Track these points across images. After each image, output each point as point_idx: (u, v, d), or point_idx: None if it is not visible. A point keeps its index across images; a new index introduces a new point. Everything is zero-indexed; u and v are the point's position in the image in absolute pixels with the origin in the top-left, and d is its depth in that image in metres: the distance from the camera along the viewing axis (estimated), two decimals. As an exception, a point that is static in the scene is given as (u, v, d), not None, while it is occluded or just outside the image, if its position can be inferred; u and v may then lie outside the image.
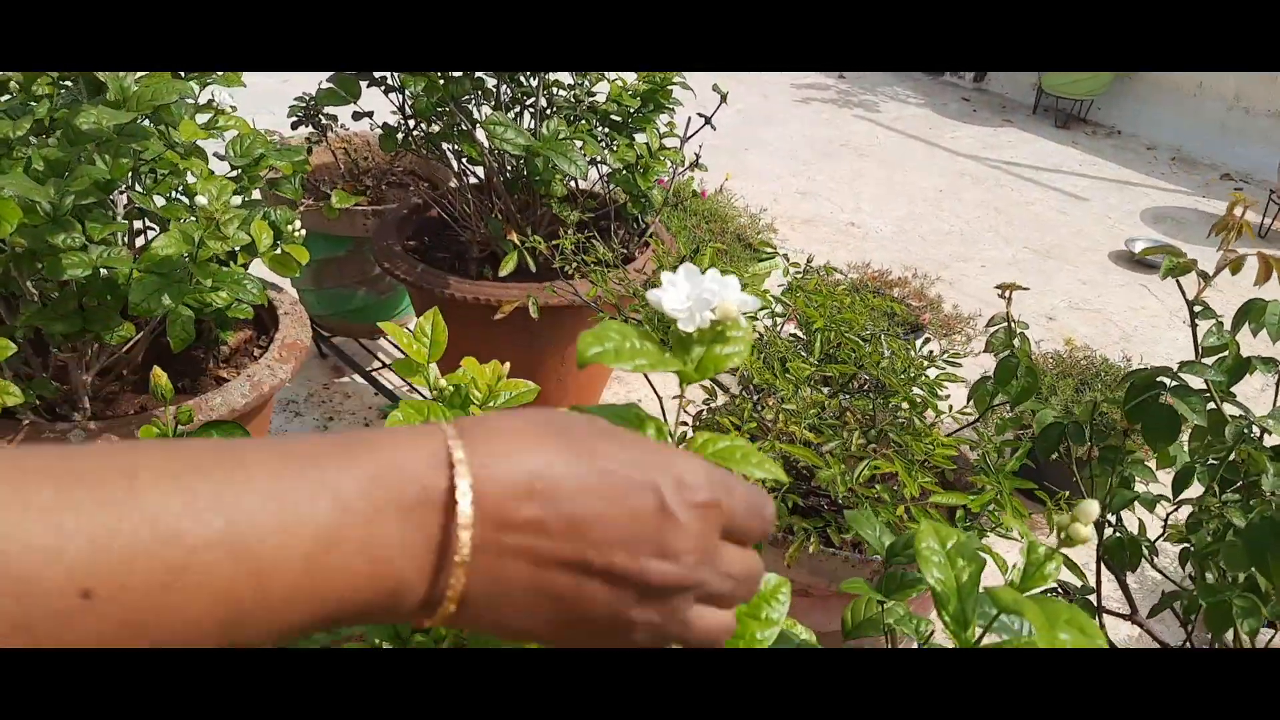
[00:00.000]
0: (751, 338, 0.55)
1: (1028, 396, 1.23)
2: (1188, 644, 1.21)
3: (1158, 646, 1.26)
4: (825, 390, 1.29)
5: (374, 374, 2.30)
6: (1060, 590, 1.16)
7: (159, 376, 1.15)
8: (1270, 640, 1.23)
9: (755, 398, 1.25)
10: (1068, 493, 1.20)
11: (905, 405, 1.14)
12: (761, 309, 1.40)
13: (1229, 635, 0.97)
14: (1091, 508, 0.52)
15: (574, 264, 1.43)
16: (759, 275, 2.86)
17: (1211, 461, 1.12)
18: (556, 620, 0.41)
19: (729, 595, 0.45)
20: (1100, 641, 0.49)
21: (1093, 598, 1.19)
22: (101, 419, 1.38)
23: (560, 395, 1.91)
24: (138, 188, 1.35)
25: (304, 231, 1.43)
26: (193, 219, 1.25)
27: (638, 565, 0.41)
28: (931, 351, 1.29)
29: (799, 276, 1.55)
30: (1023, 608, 0.48)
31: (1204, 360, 1.12)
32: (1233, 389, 1.13)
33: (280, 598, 0.36)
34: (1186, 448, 1.18)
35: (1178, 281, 1.15)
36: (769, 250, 2.95)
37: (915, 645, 0.75)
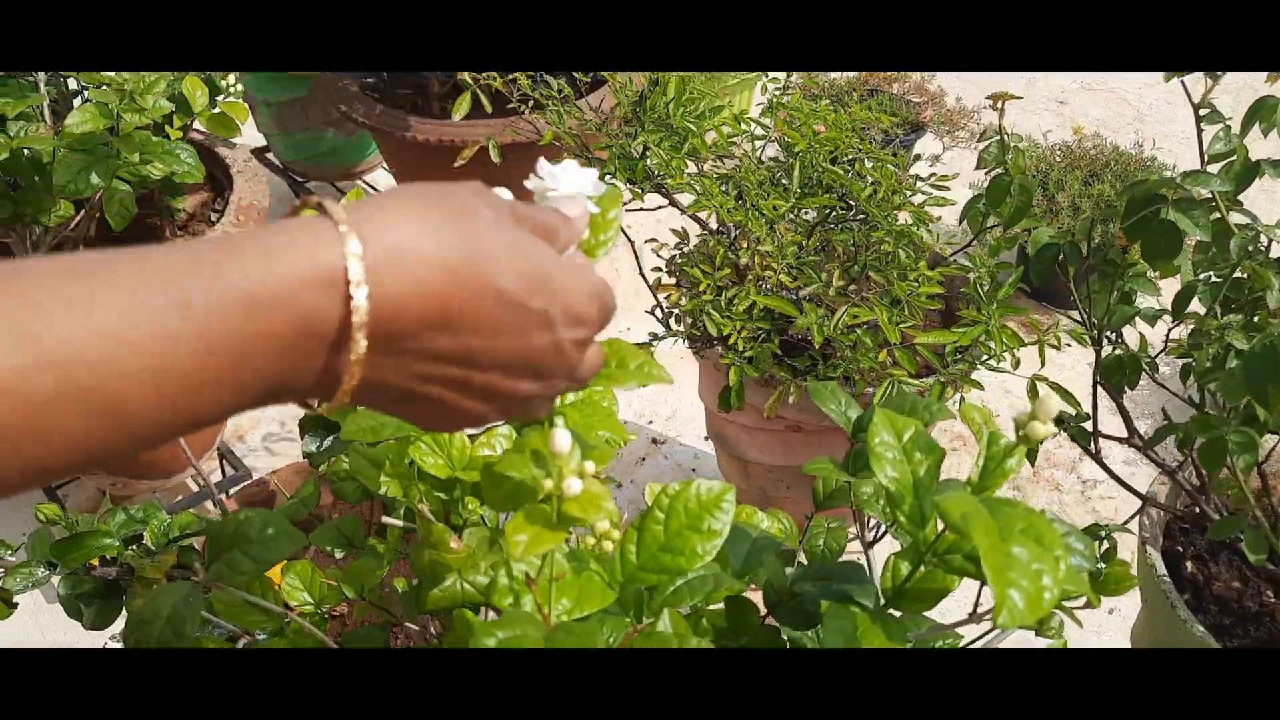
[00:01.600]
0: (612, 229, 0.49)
1: (1021, 217, 1.15)
2: (1189, 466, 1.18)
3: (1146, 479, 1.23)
4: (809, 217, 1.21)
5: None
6: (1056, 421, 1.12)
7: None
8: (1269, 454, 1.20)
9: (731, 237, 1.18)
10: (1060, 319, 1.14)
11: (889, 239, 1.06)
12: (739, 134, 1.30)
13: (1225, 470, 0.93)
14: (1050, 403, 0.47)
15: (531, 100, 1.33)
16: (738, 87, 2.71)
17: (1215, 279, 1.05)
18: (426, 415, 0.43)
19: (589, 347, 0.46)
20: (1058, 549, 0.45)
21: (1089, 425, 1.15)
22: (58, 302, 1.33)
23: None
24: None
25: (240, 86, 1.33)
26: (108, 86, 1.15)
27: (512, 385, 0.42)
28: (917, 178, 1.20)
29: (778, 93, 1.44)
30: (970, 525, 0.43)
31: (1209, 169, 1.03)
32: (1240, 196, 1.05)
33: (142, 423, 0.34)
34: (1191, 261, 1.12)
35: (1182, 82, 1.05)
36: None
37: (881, 527, 0.72)
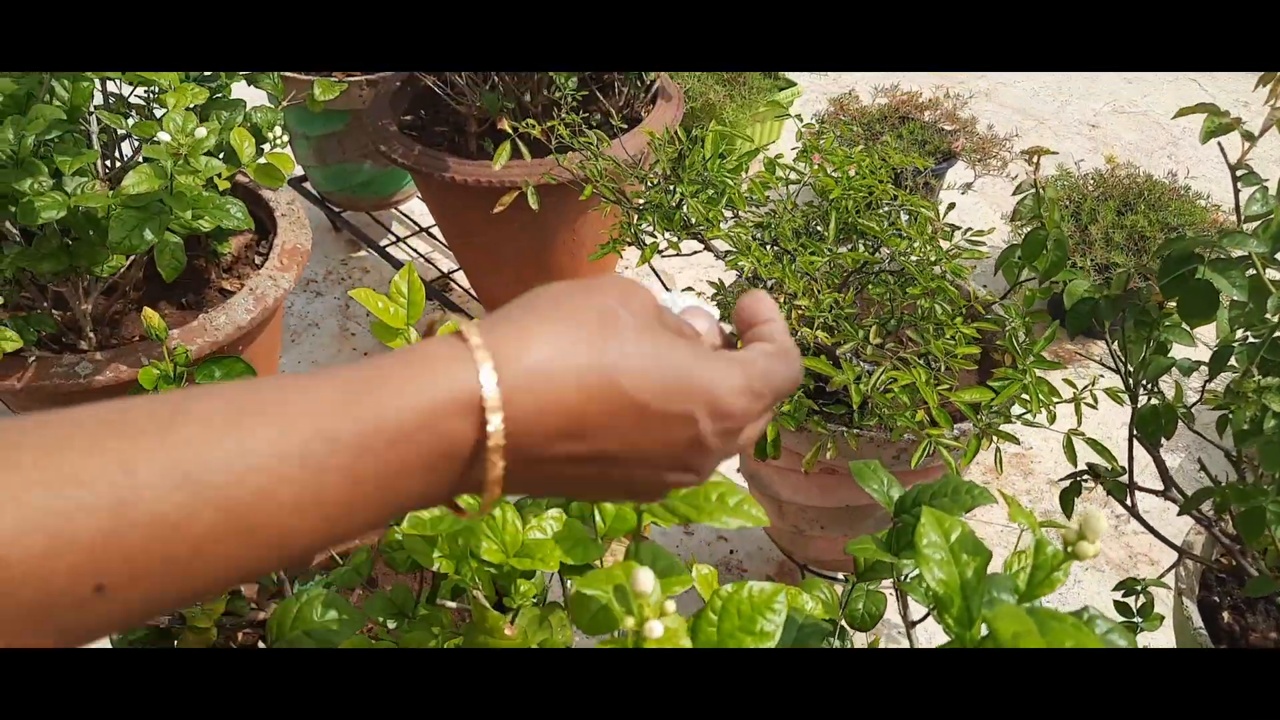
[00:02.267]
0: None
1: (1057, 271, 1.16)
2: (1226, 522, 1.18)
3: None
4: (844, 267, 1.22)
5: (388, 249, 2.26)
6: (1090, 472, 1.12)
7: (150, 318, 1.13)
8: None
9: (767, 287, 1.19)
10: (1100, 376, 1.15)
11: (925, 298, 1.07)
12: (774, 183, 1.32)
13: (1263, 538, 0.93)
14: (1098, 523, 0.48)
15: (572, 134, 1.35)
16: (778, 105, 2.72)
17: (1253, 339, 1.05)
18: (574, 495, 0.45)
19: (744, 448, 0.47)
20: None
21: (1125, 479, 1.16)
22: (108, 347, 1.36)
23: (573, 270, 1.86)
24: (106, 107, 1.28)
25: (285, 136, 1.36)
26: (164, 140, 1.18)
27: (657, 476, 0.43)
28: (953, 228, 1.21)
29: (812, 124, 1.45)
30: (1023, 643, 0.45)
31: (1245, 229, 1.04)
32: (1278, 256, 1.05)
33: (296, 546, 0.37)
34: (1228, 317, 1.12)
35: (1219, 144, 1.06)
36: (786, 81, 2.79)
37: (921, 613, 0.73)
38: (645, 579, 0.43)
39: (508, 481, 0.40)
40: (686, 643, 0.43)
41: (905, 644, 0.66)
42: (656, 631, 0.43)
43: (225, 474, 0.35)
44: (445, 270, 2.28)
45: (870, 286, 1.13)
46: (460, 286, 2.26)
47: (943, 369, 1.08)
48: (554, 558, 0.62)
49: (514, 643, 0.61)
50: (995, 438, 1.07)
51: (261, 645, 1.22)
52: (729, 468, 1.90)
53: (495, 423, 0.38)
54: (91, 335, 1.37)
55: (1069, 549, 0.49)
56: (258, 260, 1.54)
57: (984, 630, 0.55)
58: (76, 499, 0.33)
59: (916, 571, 0.72)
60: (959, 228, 1.28)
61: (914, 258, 1.15)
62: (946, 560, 0.55)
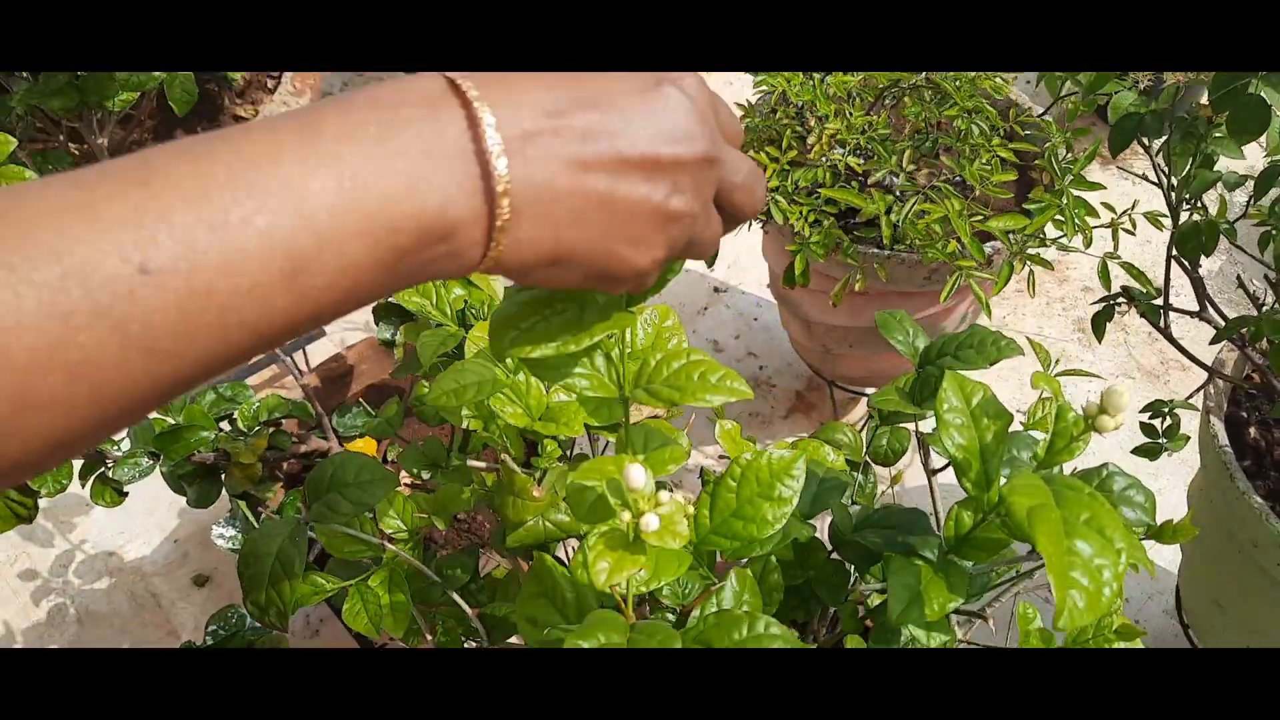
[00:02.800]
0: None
1: (1103, 84, 1.10)
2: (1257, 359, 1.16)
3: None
4: (877, 85, 1.17)
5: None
6: (1124, 294, 1.10)
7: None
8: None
9: (797, 112, 1.14)
10: (1137, 201, 1.11)
11: (963, 116, 1.03)
12: None
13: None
14: (1121, 399, 0.47)
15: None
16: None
17: (1304, 158, 1.00)
18: (604, 224, 0.41)
19: (741, 188, 0.46)
20: (1120, 539, 0.46)
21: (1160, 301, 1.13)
22: (128, 183, 1.35)
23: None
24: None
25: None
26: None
27: (669, 147, 0.42)
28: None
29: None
30: (1035, 526, 0.45)
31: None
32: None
33: (333, 238, 0.35)
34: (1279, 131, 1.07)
35: (1289, -58, 0.97)
36: None
37: (942, 462, 0.73)
38: (636, 474, 0.44)
39: (522, 181, 0.38)
40: (684, 528, 0.44)
41: (928, 490, 0.67)
42: (652, 525, 0.43)
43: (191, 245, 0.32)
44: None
45: (908, 103, 1.08)
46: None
47: (978, 194, 1.05)
48: (578, 421, 0.63)
49: (541, 505, 0.62)
50: (1028, 261, 1.04)
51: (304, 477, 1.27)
52: (759, 280, 1.89)
53: (489, 117, 0.37)
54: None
55: (1089, 421, 0.49)
56: (270, 84, 1.49)
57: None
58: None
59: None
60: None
61: (950, 72, 1.09)
62: (967, 425, 0.55)
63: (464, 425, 0.70)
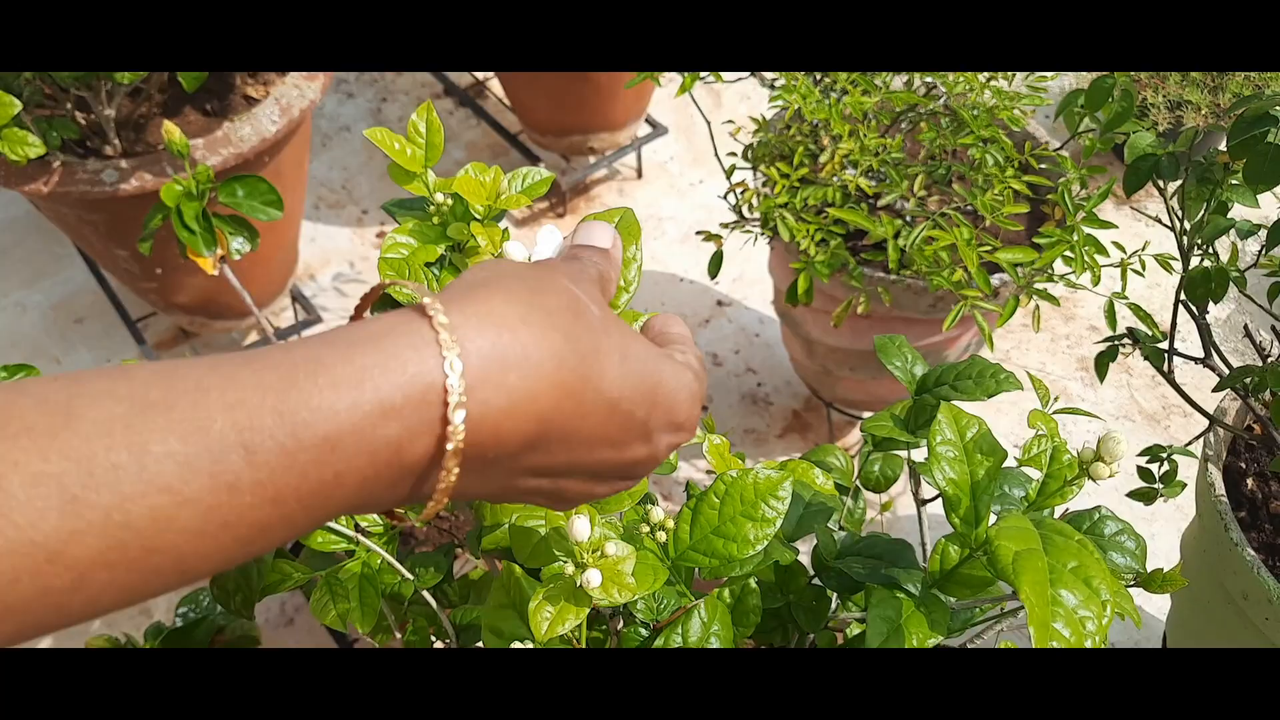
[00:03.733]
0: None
1: (1122, 122, 1.09)
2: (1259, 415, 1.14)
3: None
4: (894, 108, 1.15)
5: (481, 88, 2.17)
6: (1129, 336, 1.09)
7: (170, 132, 1.10)
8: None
9: (811, 129, 1.13)
10: (1148, 242, 1.09)
11: (978, 146, 1.01)
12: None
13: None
14: (1117, 448, 0.46)
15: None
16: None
17: (1320, 210, 0.99)
18: (550, 500, 0.41)
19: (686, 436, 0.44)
20: (1105, 590, 0.45)
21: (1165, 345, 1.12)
22: (134, 154, 1.34)
23: (611, 89, 1.78)
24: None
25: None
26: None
27: (598, 488, 0.40)
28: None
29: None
30: (1020, 574, 0.44)
31: (1334, 89, 0.96)
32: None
33: (199, 569, 0.32)
34: (1297, 184, 1.05)
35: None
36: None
37: (933, 493, 0.72)
38: (581, 527, 0.42)
39: (456, 490, 0.35)
40: (631, 580, 0.42)
41: (916, 509, 0.66)
42: (594, 581, 0.42)
43: (114, 495, 0.29)
44: (479, 77, 2.20)
45: (924, 128, 1.07)
46: (495, 95, 2.18)
47: (988, 224, 1.03)
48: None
49: (517, 507, 0.61)
50: (1034, 296, 1.03)
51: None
52: (764, 295, 1.88)
53: (458, 420, 0.33)
54: (116, 141, 1.34)
55: (1084, 467, 0.47)
56: (284, 66, 1.48)
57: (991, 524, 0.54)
58: None
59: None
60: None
61: (969, 100, 1.08)
62: (959, 459, 0.54)
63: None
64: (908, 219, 1.01)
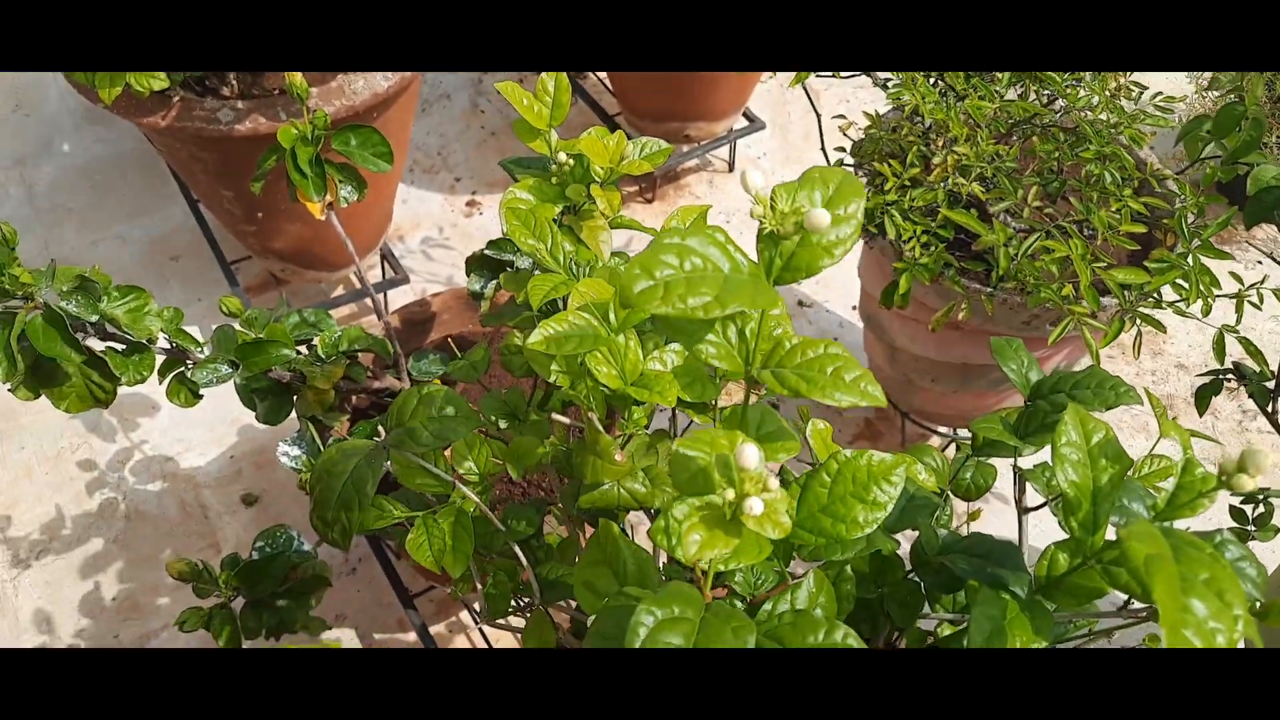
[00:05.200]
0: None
1: (1249, 151, 1.06)
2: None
3: None
4: (1011, 116, 1.13)
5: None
6: (1235, 372, 1.06)
7: (293, 76, 1.12)
8: None
9: (925, 128, 1.12)
10: (1267, 275, 1.06)
11: (1096, 162, 0.99)
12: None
13: None
14: (1263, 460, 0.44)
15: None
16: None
17: None
18: None
19: None
20: (1238, 605, 0.44)
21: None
22: (249, 97, 1.36)
23: (714, 75, 1.78)
24: None
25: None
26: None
27: None
28: (1140, 87, 1.11)
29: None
30: (1153, 575, 0.42)
31: None
32: None
33: None
34: None
35: None
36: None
37: (1042, 500, 0.70)
38: (750, 454, 0.42)
39: None
40: (786, 520, 0.42)
41: (1010, 519, 0.65)
42: (756, 509, 0.41)
43: None
44: (584, 56, 2.21)
45: (1038, 141, 1.05)
46: (594, 75, 2.19)
47: (1099, 242, 1.01)
48: (672, 392, 0.61)
49: (621, 470, 0.61)
50: (1139, 320, 1.01)
51: (374, 415, 1.27)
52: (846, 299, 1.86)
53: None
54: (234, 82, 1.37)
55: (1224, 478, 0.46)
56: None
57: (1108, 536, 0.53)
58: None
59: (1033, 456, 0.70)
60: (1144, 88, 1.17)
61: (1090, 115, 1.06)
62: (1083, 462, 0.53)
63: (551, 379, 0.69)
64: (1018, 229, 0.99)
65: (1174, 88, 2.14)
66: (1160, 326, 1.02)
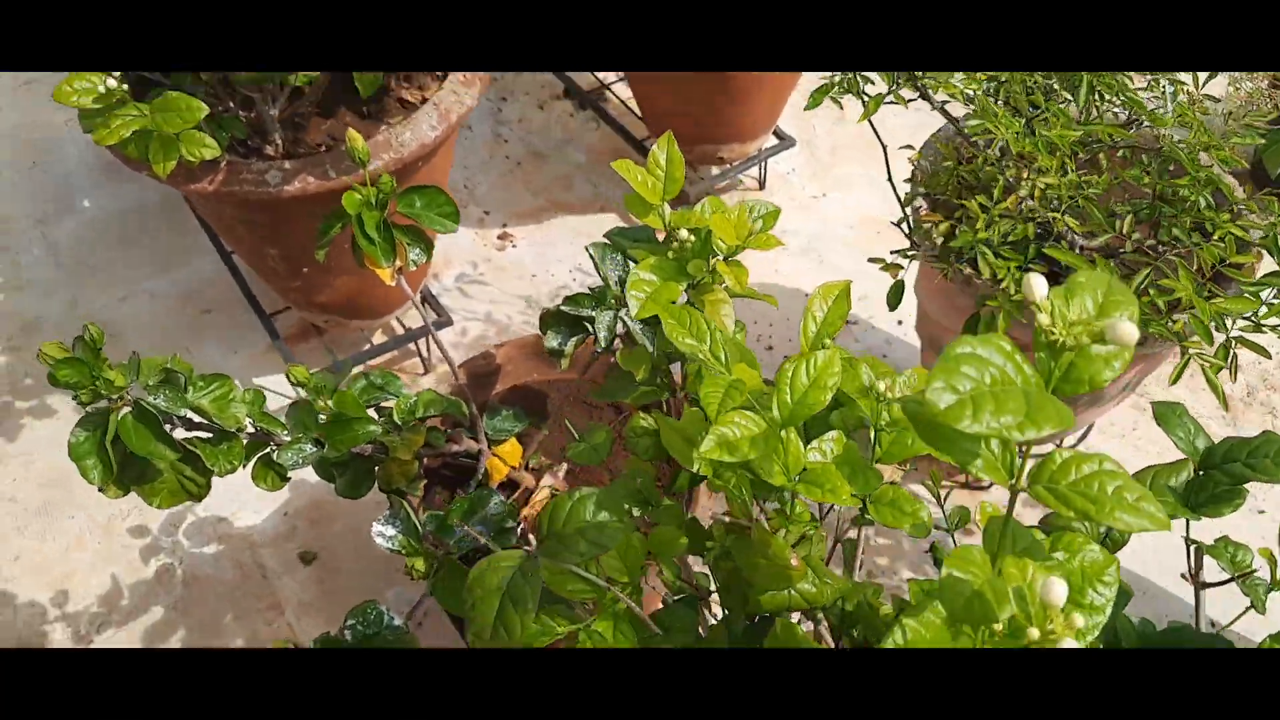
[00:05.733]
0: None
1: (1340, 166, 1.04)
2: None
3: None
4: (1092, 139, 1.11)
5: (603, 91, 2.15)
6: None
7: (354, 140, 1.09)
8: None
9: (997, 158, 1.09)
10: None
11: (1192, 187, 0.97)
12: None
13: None
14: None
15: None
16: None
17: None
18: None
19: None
20: None
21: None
22: (295, 156, 1.33)
23: (754, 91, 1.75)
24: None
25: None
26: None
27: None
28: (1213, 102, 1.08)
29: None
30: None
31: None
32: None
33: None
34: None
35: None
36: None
37: (1228, 577, 0.68)
38: (1058, 591, 0.39)
39: None
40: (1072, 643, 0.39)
41: (1181, 598, 0.63)
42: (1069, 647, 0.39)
43: None
44: (603, 79, 2.18)
45: (1126, 170, 1.03)
46: (617, 98, 2.16)
47: (1194, 268, 0.99)
48: (844, 490, 0.59)
49: (799, 574, 0.58)
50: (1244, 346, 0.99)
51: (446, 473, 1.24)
52: (891, 316, 1.84)
53: None
54: (279, 141, 1.34)
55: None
56: (436, 70, 1.47)
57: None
58: None
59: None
60: (1218, 99, 1.15)
61: (1176, 136, 1.04)
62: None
63: (695, 469, 0.67)
64: (1121, 261, 0.97)
65: (1213, 86, 2.12)
66: (1265, 352, 1.00)
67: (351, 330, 1.73)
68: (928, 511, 0.67)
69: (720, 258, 0.73)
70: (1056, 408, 0.39)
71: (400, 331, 1.74)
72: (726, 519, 0.70)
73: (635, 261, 0.73)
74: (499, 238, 1.99)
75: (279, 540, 1.59)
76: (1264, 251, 0.99)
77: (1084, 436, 1.63)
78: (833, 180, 2.10)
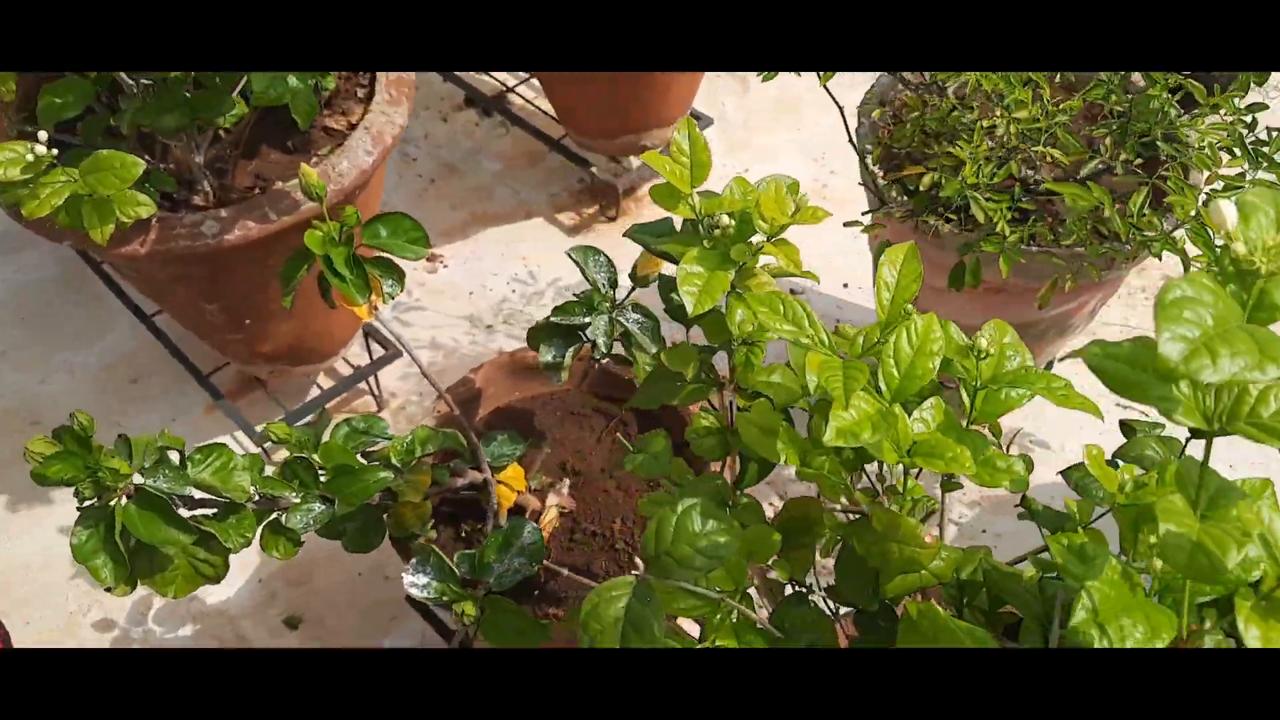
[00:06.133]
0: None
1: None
2: None
3: None
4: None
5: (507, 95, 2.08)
6: None
7: (308, 174, 1.03)
8: None
9: (951, 107, 1.09)
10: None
11: (1159, 96, 0.98)
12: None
13: None
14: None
15: None
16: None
17: None
18: None
19: None
20: None
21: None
22: (227, 203, 1.25)
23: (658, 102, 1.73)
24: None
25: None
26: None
27: None
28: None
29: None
30: None
31: None
32: None
33: None
34: None
35: None
36: None
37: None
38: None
39: None
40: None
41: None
42: None
43: None
44: (506, 83, 2.12)
45: (1089, 90, 1.03)
46: (522, 99, 2.11)
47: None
48: (965, 457, 0.56)
49: (934, 550, 0.56)
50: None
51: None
52: (835, 279, 1.83)
53: None
54: (208, 188, 1.25)
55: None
56: (359, 93, 1.40)
57: None
58: None
59: None
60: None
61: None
62: None
63: (781, 460, 0.64)
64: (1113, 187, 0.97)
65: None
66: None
67: (296, 376, 1.64)
68: (1021, 465, 0.66)
69: (764, 239, 0.70)
70: (1274, 340, 0.38)
71: (347, 372, 1.66)
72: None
73: (675, 260, 0.69)
74: (428, 260, 1.92)
75: (259, 609, 1.50)
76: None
77: (1049, 368, 1.66)
78: (752, 153, 2.09)
